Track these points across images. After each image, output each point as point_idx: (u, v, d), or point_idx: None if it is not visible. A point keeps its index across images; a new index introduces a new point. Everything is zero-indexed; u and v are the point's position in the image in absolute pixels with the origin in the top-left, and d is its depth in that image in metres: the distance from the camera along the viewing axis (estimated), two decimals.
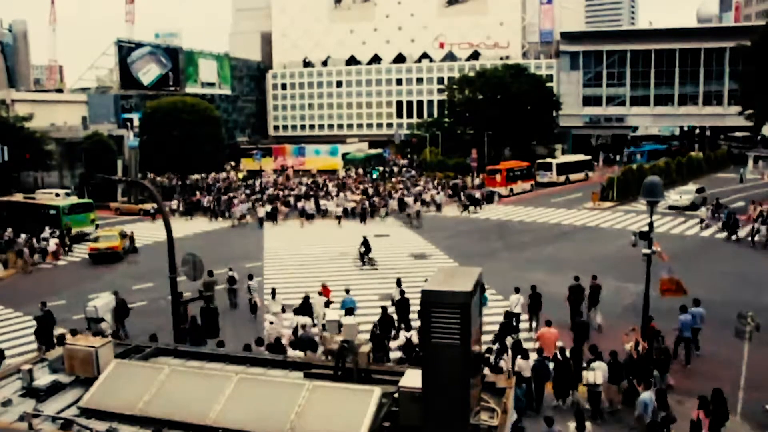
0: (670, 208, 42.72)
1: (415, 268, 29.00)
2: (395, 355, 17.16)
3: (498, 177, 53.42)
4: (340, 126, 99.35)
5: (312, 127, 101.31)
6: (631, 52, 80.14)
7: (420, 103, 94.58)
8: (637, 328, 16.50)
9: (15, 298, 26.53)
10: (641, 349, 15.63)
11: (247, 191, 55.62)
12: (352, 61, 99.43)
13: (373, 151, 79.49)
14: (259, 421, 6.82)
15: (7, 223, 38.65)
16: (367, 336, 16.28)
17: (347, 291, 20.82)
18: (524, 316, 20.72)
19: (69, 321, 21.27)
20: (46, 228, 36.69)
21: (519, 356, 15.47)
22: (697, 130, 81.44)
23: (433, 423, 6.42)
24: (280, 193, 53.19)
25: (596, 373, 14.44)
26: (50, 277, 31.24)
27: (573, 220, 41.32)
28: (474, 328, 6.44)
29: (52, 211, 39.18)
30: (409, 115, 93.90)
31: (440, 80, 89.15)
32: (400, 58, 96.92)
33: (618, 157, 69.64)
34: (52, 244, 34.77)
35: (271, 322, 18.45)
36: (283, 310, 19.78)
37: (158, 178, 62.74)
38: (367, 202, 45.48)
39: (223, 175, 67.76)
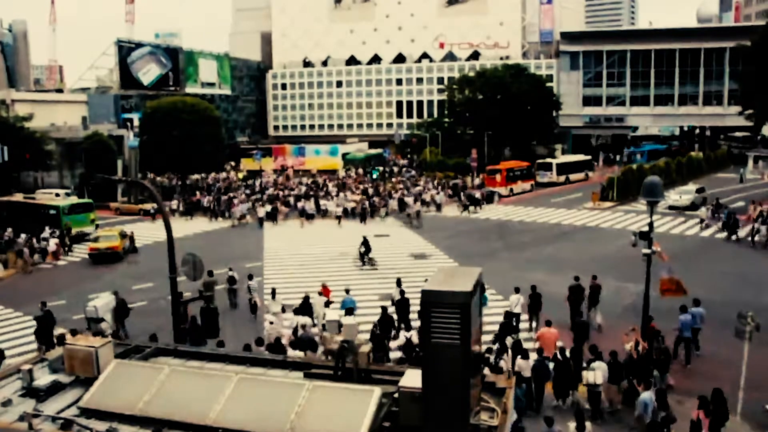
0: (670, 208, 42.71)
1: (415, 268, 28.99)
2: (395, 355, 17.15)
3: (498, 177, 53.41)
4: (340, 126, 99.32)
5: (312, 127, 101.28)
6: (631, 52, 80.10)
7: (420, 103, 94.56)
8: (637, 328, 16.50)
9: (15, 298, 26.53)
10: (641, 349, 15.63)
11: (247, 191, 55.59)
12: (352, 61, 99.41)
13: (373, 151, 79.45)
14: (259, 421, 6.82)
15: (7, 223, 38.64)
16: (367, 336, 16.27)
17: (347, 291, 20.82)
18: (524, 316, 20.71)
19: (69, 321, 21.27)
20: (46, 228, 36.69)
21: (519, 356, 15.46)
22: (697, 130, 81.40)
23: (433, 423, 6.42)
24: (280, 193, 53.16)
25: (596, 373, 14.44)
26: (50, 277, 31.23)
27: (573, 220, 41.31)
28: (474, 328, 6.43)
29: (52, 211, 39.17)
30: (409, 115, 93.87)
31: (440, 80, 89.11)
32: (400, 58, 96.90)
33: (618, 157, 69.60)
34: (52, 244, 34.77)
35: (271, 322, 18.45)
36: (283, 310, 19.77)
37: (158, 178, 62.71)
38: (367, 202, 45.45)
39: (223, 175, 67.72)
